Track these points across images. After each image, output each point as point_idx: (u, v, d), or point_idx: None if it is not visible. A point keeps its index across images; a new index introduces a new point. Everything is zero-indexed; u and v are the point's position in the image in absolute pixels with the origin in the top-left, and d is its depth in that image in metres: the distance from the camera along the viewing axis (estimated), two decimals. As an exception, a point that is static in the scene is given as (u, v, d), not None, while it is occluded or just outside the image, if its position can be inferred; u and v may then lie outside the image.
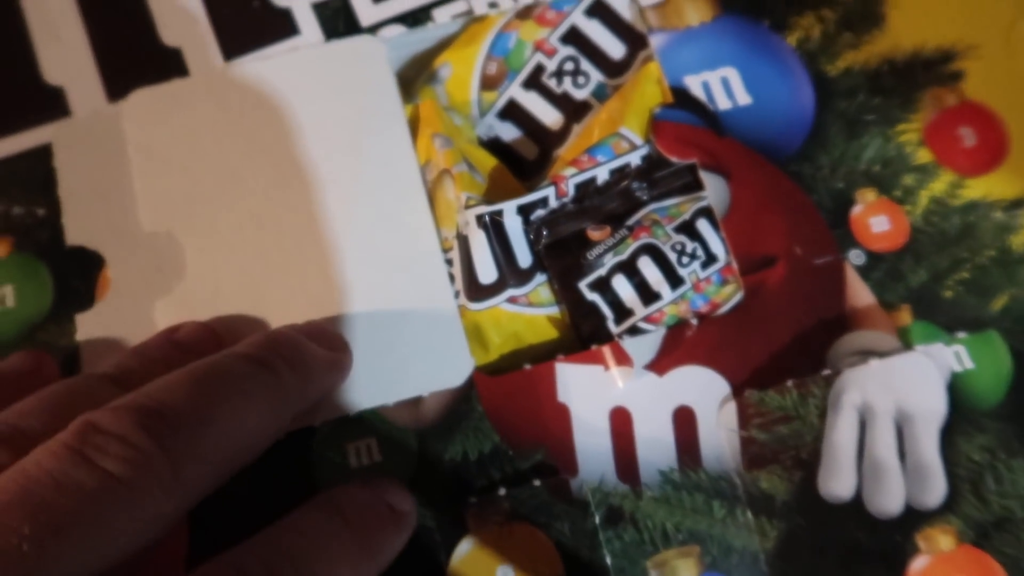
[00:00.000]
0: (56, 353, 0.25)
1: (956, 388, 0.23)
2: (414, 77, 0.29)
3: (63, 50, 0.28)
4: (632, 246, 0.26)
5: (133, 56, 0.28)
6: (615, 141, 0.26)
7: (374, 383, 0.24)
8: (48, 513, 0.16)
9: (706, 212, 0.26)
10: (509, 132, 0.28)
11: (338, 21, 0.28)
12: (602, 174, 0.26)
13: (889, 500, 0.23)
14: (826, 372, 0.24)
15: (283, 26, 0.28)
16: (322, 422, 0.24)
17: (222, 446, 0.19)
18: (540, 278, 0.26)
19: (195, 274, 0.25)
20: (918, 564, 0.22)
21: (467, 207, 0.25)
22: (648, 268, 0.25)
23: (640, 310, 0.25)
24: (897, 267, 0.26)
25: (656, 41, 0.28)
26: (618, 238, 0.26)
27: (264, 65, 0.27)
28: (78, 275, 0.26)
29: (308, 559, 0.19)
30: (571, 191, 0.26)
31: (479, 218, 0.25)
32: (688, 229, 0.26)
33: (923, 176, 0.27)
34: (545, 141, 0.28)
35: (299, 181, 0.26)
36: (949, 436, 0.23)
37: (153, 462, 0.17)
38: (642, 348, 0.25)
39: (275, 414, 0.21)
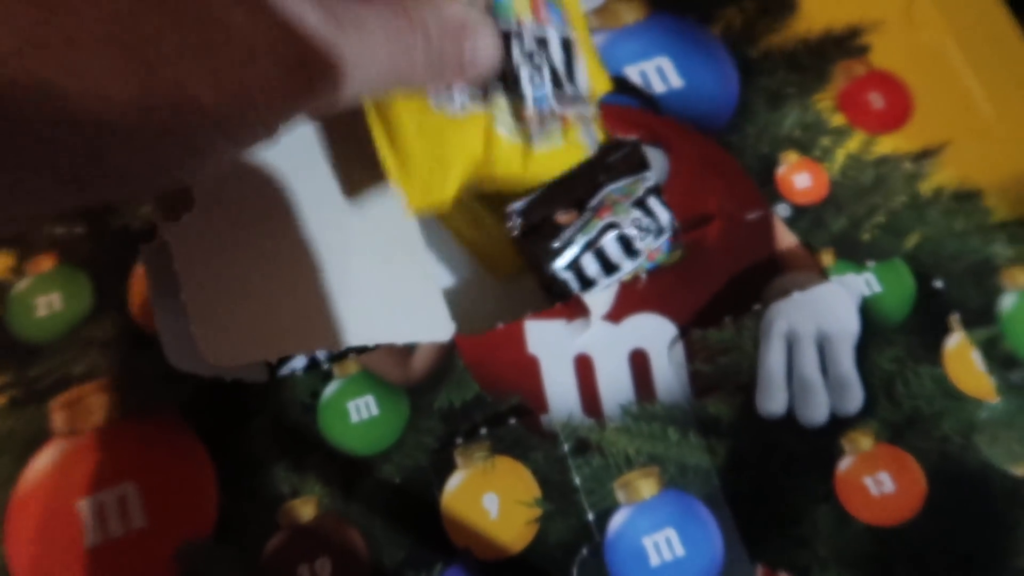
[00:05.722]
0: (98, 345, 0.30)
1: (867, 309, 0.27)
2: None
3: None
4: (598, 225, 0.29)
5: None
6: None
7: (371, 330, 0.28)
8: None
9: (654, 189, 0.30)
10: None
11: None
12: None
13: (816, 411, 0.26)
14: (756, 307, 0.28)
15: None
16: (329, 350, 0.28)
17: None
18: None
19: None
20: (844, 464, 0.26)
21: None
22: (611, 244, 0.29)
23: (602, 280, 0.29)
24: (820, 216, 0.29)
25: (597, 40, 0.32)
26: (585, 219, 0.29)
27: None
28: (114, 278, 0.31)
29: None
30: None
31: None
32: (642, 205, 0.30)
33: (838, 137, 0.31)
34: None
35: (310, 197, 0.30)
36: (863, 350, 0.26)
37: None
38: (599, 301, 0.29)
39: None
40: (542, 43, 0.26)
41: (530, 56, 0.26)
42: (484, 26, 0.23)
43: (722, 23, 0.32)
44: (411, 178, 0.26)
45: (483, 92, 0.26)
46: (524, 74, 0.26)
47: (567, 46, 0.27)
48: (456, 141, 0.26)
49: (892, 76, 0.31)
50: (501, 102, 0.26)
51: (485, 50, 0.23)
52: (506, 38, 0.25)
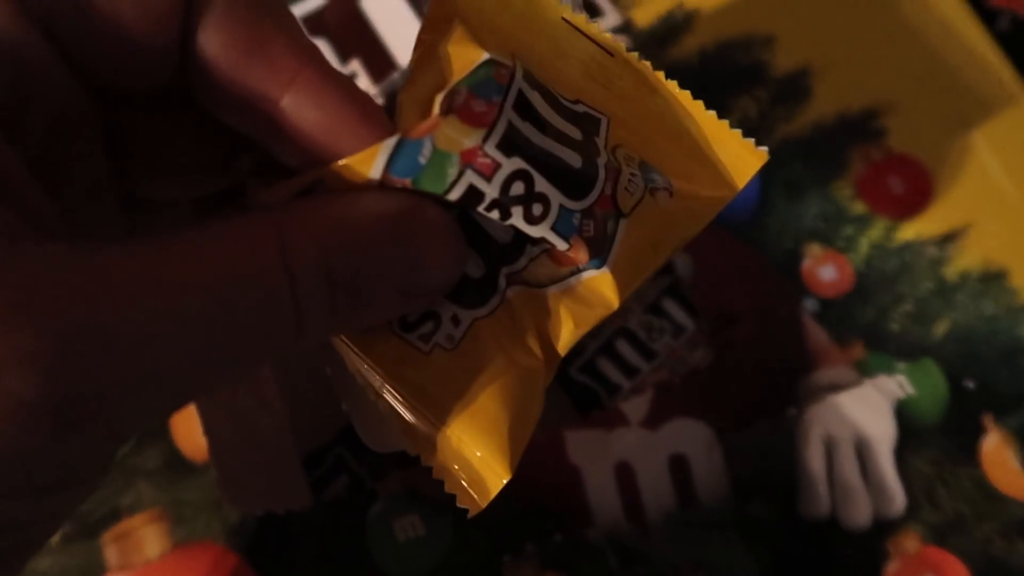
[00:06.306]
0: (144, 475, 0.30)
1: (903, 412, 0.27)
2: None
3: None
4: (609, 330, 0.30)
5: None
6: None
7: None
8: None
9: (669, 291, 0.30)
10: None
11: None
12: None
13: (859, 515, 0.26)
14: (792, 411, 0.28)
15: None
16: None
17: None
18: None
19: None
20: (892, 568, 0.26)
21: None
22: (624, 347, 0.30)
23: (626, 383, 0.29)
24: (848, 309, 0.30)
25: (615, 139, 0.32)
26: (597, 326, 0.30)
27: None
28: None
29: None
30: None
31: None
32: (655, 309, 0.30)
33: (861, 225, 0.31)
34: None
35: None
36: (901, 453, 0.27)
37: None
38: (635, 408, 0.29)
39: None
40: (508, 143, 0.15)
41: (505, 188, 0.15)
42: (425, 208, 0.14)
43: (737, 114, 0.32)
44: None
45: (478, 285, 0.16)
46: (518, 219, 0.15)
47: (537, 122, 0.16)
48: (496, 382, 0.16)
49: (910, 158, 0.32)
50: (522, 262, 0.17)
51: (435, 259, 0.14)
52: (472, 197, 0.15)
